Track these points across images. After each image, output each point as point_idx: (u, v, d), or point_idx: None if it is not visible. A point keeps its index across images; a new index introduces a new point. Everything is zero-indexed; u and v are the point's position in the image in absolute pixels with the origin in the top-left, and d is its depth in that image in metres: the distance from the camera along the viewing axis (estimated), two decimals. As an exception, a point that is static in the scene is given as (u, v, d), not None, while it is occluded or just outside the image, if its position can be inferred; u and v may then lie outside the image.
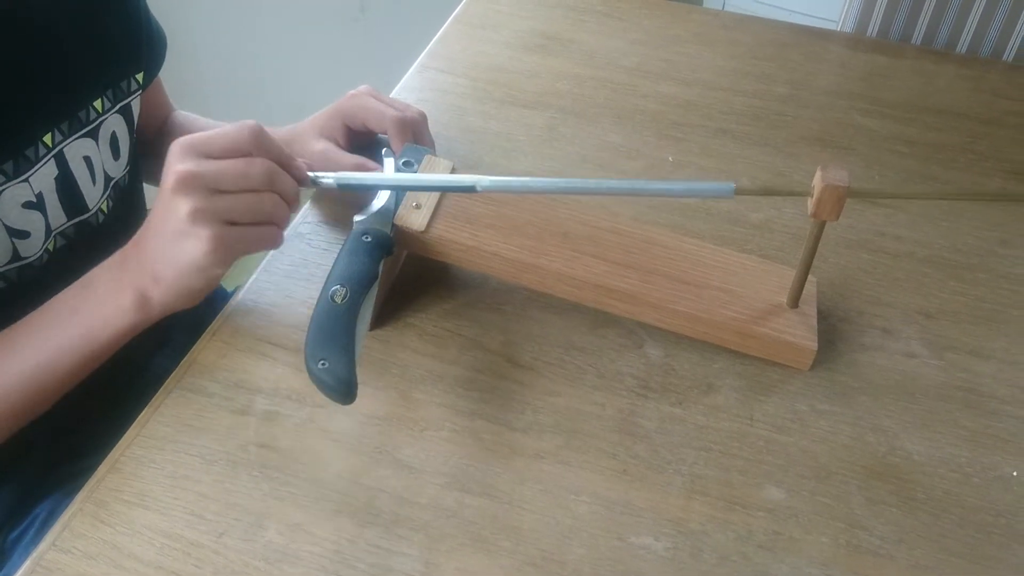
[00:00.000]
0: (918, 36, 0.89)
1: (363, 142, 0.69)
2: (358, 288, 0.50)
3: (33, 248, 0.62)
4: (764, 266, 0.60)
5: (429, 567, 0.46)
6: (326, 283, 0.51)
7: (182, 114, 0.86)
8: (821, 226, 0.52)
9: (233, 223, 0.50)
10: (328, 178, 0.56)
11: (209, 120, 0.85)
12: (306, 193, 0.60)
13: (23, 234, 0.61)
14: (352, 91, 0.68)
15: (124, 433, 0.52)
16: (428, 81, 0.81)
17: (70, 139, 0.64)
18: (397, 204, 0.57)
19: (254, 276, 0.62)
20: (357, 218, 0.55)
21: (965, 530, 0.49)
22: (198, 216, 0.49)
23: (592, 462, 0.51)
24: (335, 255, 0.53)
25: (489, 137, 0.75)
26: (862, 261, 0.65)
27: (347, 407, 0.52)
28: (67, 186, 0.65)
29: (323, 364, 0.46)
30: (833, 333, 0.59)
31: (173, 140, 0.85)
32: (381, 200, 0.57)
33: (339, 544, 0.47)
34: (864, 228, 0.67)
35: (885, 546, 0.48)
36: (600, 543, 0.47)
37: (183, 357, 0.56)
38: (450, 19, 0.90)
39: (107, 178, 0.69)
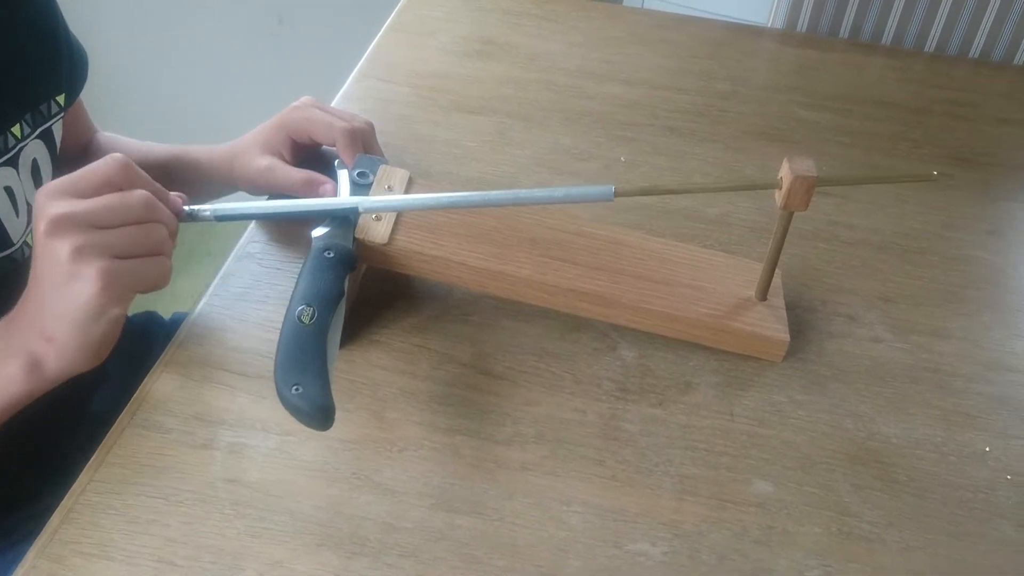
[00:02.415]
0: (845, 29, 0.92)
1: (309, 155, 0.67)
2: (325, 307, 0.48)
3: None
4: (729, 260, 0.60)
5: (422, 595, 0.44)
6: (291, 304, 0.48)
7: (106, 136, 0.81)
8: (789, 217, 0.52)
9: (119, 257, 0.46)
10: (205, 211, 0.53)
11: (134, 141, 0.80)
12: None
13: None
14: (295, 103, 0.65)
15: (73, 479, 0.48)
16: (369, 90, 0.78)
17: None
18: (355, 216, 0.54)
19: (203, 301, 0.58)
20: (315, 233, 0.53)
21: (948, 508, 0.49)
22: (81, 254, 0.45)
23: (579, 470, 0.50)
24: (289, 274, 0.50)
25: (439, 145, 0.73)
26: (819, 251, 0.66)
27: (318, 433, 0.50)
28: (-12, 220, 0.60)
29: (297, 389, 0.43)
30: (800, 323, 0.59)
31: None
32: (337, 216, 0.54)
33: (324, 579, 0.44)
34: (817, 218, 0.68)
35: (876, 531, 0.48)
36: (597, 553, 0.46)
37: (125, 392, 0.52)
38: (385, 26, 0.88)
39: (30, 208, 0.64)
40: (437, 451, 0.50)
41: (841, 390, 0.55)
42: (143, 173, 0.50)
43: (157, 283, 0.49)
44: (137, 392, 0.52)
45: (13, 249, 0.63)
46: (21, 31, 0.63)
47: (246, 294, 0.58)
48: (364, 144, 0.63)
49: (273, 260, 0.61)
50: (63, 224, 0.45)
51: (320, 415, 0.43)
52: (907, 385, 0.56)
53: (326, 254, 0.51)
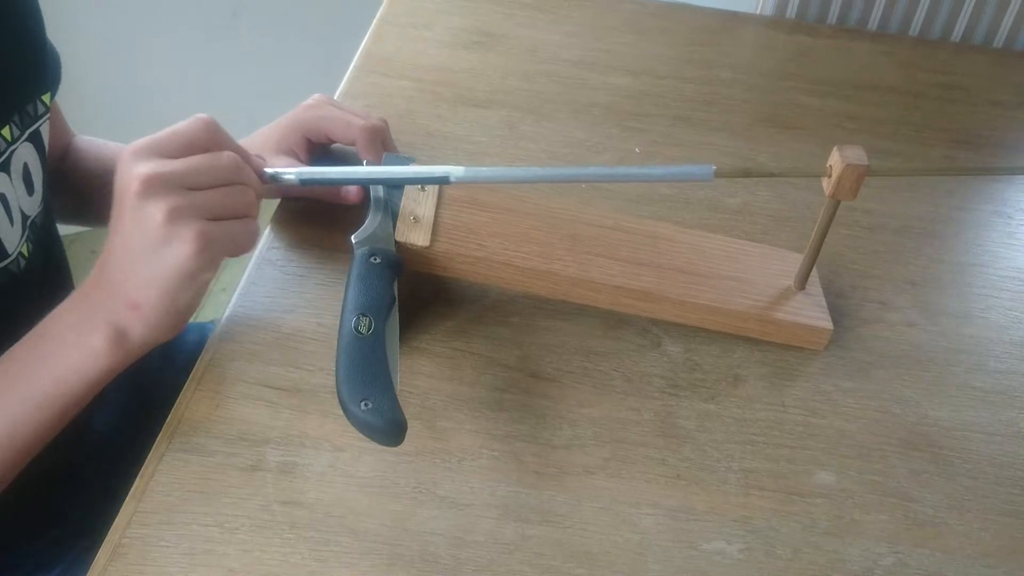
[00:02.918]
0: (833, 15, 0.93)
1: (322, 154, 0.64)
2: (379, 315, 0.46)
3: None
4: (764, 250, 0.60)
5: (505, 610, 0.43)
6: (344, 314, 0.46)
7: (85, 139, 0.77)
8: (836, 206, 0.52)
9: (211, 220, 0.45)
10: (289, 174, 0.52)
11: (115, 144, 0.76)
12: (262, 218, 0.54)
13: None
14: (308, 102, 0.62)
15: (88, 507, 0.45)
16: (371, 86, 0.76)
17: None
18: (394, 219, 0.52)
19: (227, 313, 0.55)
20: (355, 239, 0.50)
21: (1003, 488, 0.50)
22: (177, 215, 0.44)
23: (643, 471, 0.49)
24: (315, 281, 0.48)
25: (450, 141, 0.70)
26: (842, 237, 0.66)
27: (372, 447, 0.48)
28: (-17, 230, 0.56)
29: (366, 405, 0.41)
30: (834, 310, 0.59)
31: (79, 169, 0.76)
32: (375, 218, 0.52)
33: (401, 601, 0.42)
34: (824, 200, 0.68)
35: (939, 515, 0.49)
36: (674, 555, 0.45)
37: (127, 411, 0.49)
38: (376, 19, 0.85)
39: (23, 217, 0.60)
40: (497, 459, 0.49)
41: (884, 376, 0.56)
42: (227, 133, 0.49)
43: (246, 246, 0.48)
44: (171, 414, 0.49)
45: (8, 260, 0.58)
46: (2, 28, 0.59)
47: (273, 304, 0.56)
48: (383, 142, 0.61)
49: (295, 267, 0.58)
50: (156, 184, 0.44)
51: (394, 430, 0.41)
52: (945, 368, 0.57)
53: (372, 260, 0.48)
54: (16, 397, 0.47)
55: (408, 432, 0.49)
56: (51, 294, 0.69)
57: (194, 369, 0.52)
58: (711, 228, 0.65)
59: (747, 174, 0.51)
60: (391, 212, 0.53)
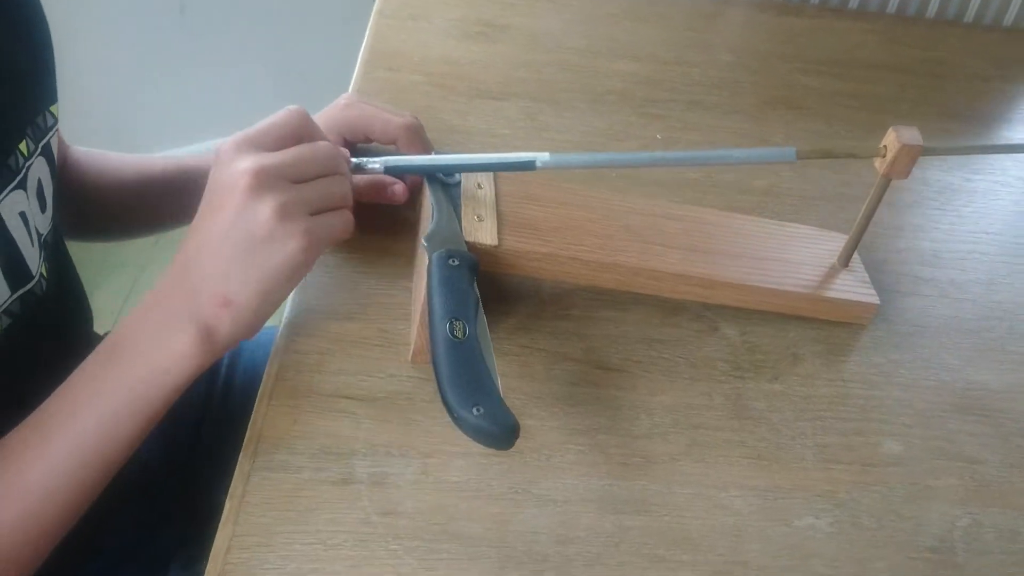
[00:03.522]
0: (816, -5, 0.96)
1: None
2: (470, 317, 0.45)
3: None
4: (805, 230, 0.61)
5: (621, 602, 0.43)
6: (433, 321, 0.45)
7: (81, 150, 0.73)
8: (887, 185, 0.54)
9: (314, 214, 0.45)
10: (375, 163, 0.51)
11: (114, 154, 0.72)
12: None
13: None
14: (342, 102, 0.60)
15: (138, 531, 0.43)
16: (382, 82, 0.74)
17: (3, 194, 0.52)
18: (459, 218, 0.52)
19: (285, 321, 0.54)
20: (426, 241, 0.49)
21: (1054, 444, 0.53)
22: (287, 211, 0.42)
23: (725, 454, 0.50)
24: (365, 285, 0.47)
25: (473, 135, 0.70)
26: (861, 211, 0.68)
27: (461, 451, 0.47)
28: (9, 253, 0.52)
29: (478, 410, 0.41)
30: (874, 285, 0.62)
31: (78, 182, 0.72)
32: (441, 218, 0.51)
33: (519, 602, 0.42)
34: (847, 180, 0.71)
35: (1002, 474, 0.51)
36: (770, 534, 0.47)
37: (163, 435, 0.47)
38: (373, 12, 0.83)
39: (38, 235, 0.57)
40: (583, 453, 0.49)
41: (928, 345, 0.58)
42: (316, 123, 0.48)
43: (343, 238, 0.47)
44: (248, 432, 0.48)
45: (33, 283, 0.56)
46: (12, 39, 0.55)
47: (331, 311, 0.54)
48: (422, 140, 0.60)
49: (346, 271, 0.57)
50: (266, 179, 0.42)
51: (507, 433, 0.41)
52: (981, 334, 0.60)
53: (451, 262, 0.48)
54: (99, 413, 0.45)
55: (493, 433, 0.49)
56: (71, 315, 0.66)
57: (263, 383, 0.50)
58: (742, 210, 0.66)
59: (827, 155, 0.52)
60: (454, 210, 0.52)
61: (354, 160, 0.50)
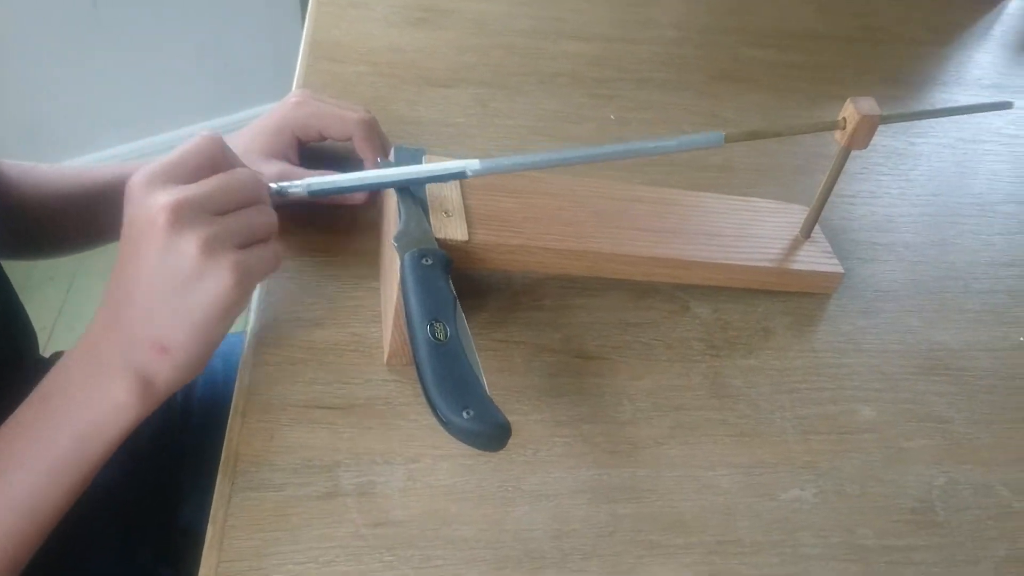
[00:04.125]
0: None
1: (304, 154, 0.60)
2: (450, 317, 0.44)
3: None
4: (766, 204, 0.62)
5: (621, 591, 0.43)
6: (412, 324, 0.44)
7: (8, 164, 0.68)
8: (847, 155, 0.55)
9: (242, 247, 0.42)
10: (297, 187, 0.49)
11: (42, 165, 0.68)
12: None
13: None
14: (292, 99, 0.58)
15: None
16: (327, 75, 0.72)
17: None
18: (425, 214, 0.50)
19: (251, 332, 0.52)
20: (396, 242, 0.48)
21: (1015, 396, 0.55)
22: (212, 247, 0.40)
23: (708, 434, 0.50)
24: (334, 289, 0.46)
25: (427, 125, 0.68)
26: (816, 182, 0.69)
27: (446, 453, 0.47)
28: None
29: (468, 414, 0.40)
30: (835, 254, 0.63)
31: (12, 199, 0.68)
32: (409, 217, 0.50)
33: (521, 602, 0.42)
34: (797, 151, 0.72)
35: (970, 431, 0.53)
36: (759, 509, 0.47)
37: (123, 457, 0.45)
38: (312, 2, 0.80)
39: None
40: (569, 445, 0.49)
41: (891, 309, 0.60)
42: (232, 150, 0.45)
43: (272, 270, 0.44)
44: (224, 452, 0.46)
45: None
46: None
47: (297, 318, 0.52)
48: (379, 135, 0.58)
49: (310, 276, 0.55)
50: (185, 214, 0.39)
51: (500, 434, 0.40)
52: (938, 294, 0.61)
53: (425, 262, 0.46)
54: (31, 469, 0.42)
55: (477, 431, 0.48)
56: (17, 340, 0.62)
57: (234, 400, 0.48)
58: (701, 187, 0.66)
59: (754, 136, 0.52)
60: (421, 207, 0.51)
61: (273, 186, 0.47)
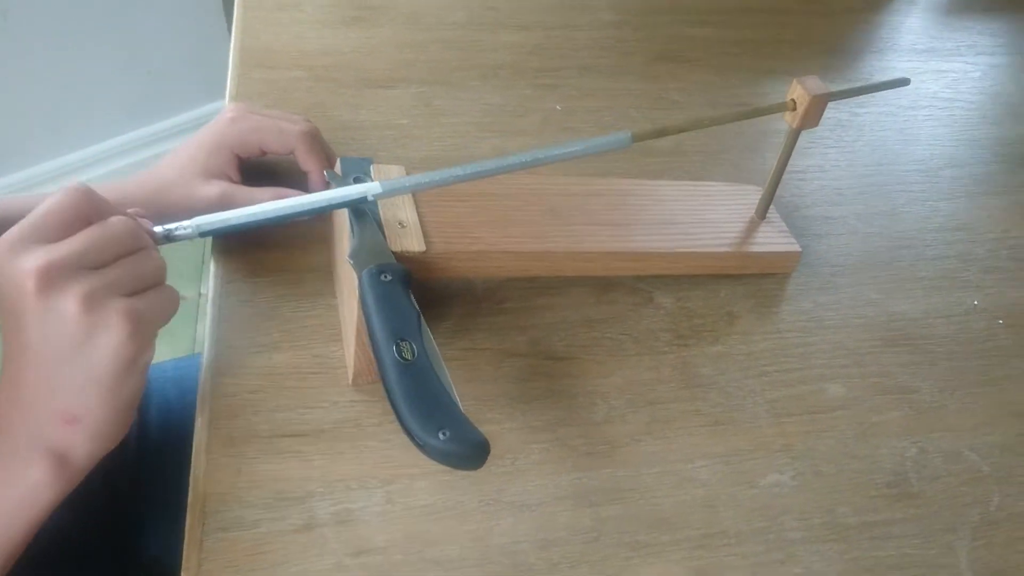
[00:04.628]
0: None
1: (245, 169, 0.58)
2: (415, 334, 0.43)
3: None
4: (718, 187, 0.62)
5: (612, 596, 0.43)
6: (377, 344, 0.42)
7: None
8: (798, 135, 0.55)
9: (130, 295, 0.39)
10: (186, 227, 0.44)
11: None
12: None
13: None
14: (228, 114, 0.55)
15: None
16: (262, 83, 0.69)
17: None
18: (379, 227, 0.48)
19: (206, 363, 0.49)
20: (351, 259, 0.46)
21: (975, 360, 0.56)
22: (93, 300, 0.37)
23: (683, 426, 0.50)
24: (286, 309, 0.44)
25: (370, 129, 0.66)
26: (766, 160, 0.69)
27: (422, 472, 0.45)
28: None
29: (444, 435, 0.39)
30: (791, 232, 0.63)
31: None
32: (362, 231, 0.48)
33: (512, 619, 0.41)
34: (743, 131, 0.72)
35: (936, 399, 0.54)
36: (740, 498, 0.47)
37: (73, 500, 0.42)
38: (237, 6, 0.77)
39: None
40: (547, 451, 0.48)
41: (849, 283, 0.60)
42: (104, 198, 0.41)
43: (171, 313, 0.41)
44: (191, 494, 0.44)
45: None
46: None
47: (252, 343, 0.50)
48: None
49: (262, 298, 0.53)
50: (56, 274, 0.36)
51: (478, 453, 0.39)
52: (893, 264, 0.62)
53: (384, 278, 0.45)
54: None
55: (452, 446, 0.47)
56: None
57: (195, 436, 0.46)
58: (652, 173, 0.66)
59: (662, 134, 0.51)
60: (373, 221, 0.49)
61: (158, 229, 0.44)
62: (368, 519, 0.44)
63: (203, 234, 0.44)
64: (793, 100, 0.52)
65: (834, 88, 0.51)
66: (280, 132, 0.54)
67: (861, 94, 0.51)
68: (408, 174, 0.53)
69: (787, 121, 0.53)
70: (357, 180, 0.52)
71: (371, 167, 0.53)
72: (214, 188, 0.54)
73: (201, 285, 1.53)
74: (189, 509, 0.43)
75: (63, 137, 1.65)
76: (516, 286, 0.56)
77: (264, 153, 0.56)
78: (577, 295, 0.56)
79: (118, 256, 0.39)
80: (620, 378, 0.52)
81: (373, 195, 0.47)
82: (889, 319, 0.58)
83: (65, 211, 0.38)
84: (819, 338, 0.56)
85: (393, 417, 0.40)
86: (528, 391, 0.51)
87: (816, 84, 0.52)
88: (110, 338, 0.37)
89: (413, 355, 0.42)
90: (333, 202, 0.46)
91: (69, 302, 0.36)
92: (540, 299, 0.56)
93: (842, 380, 0.54)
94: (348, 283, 0.48)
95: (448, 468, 0.43)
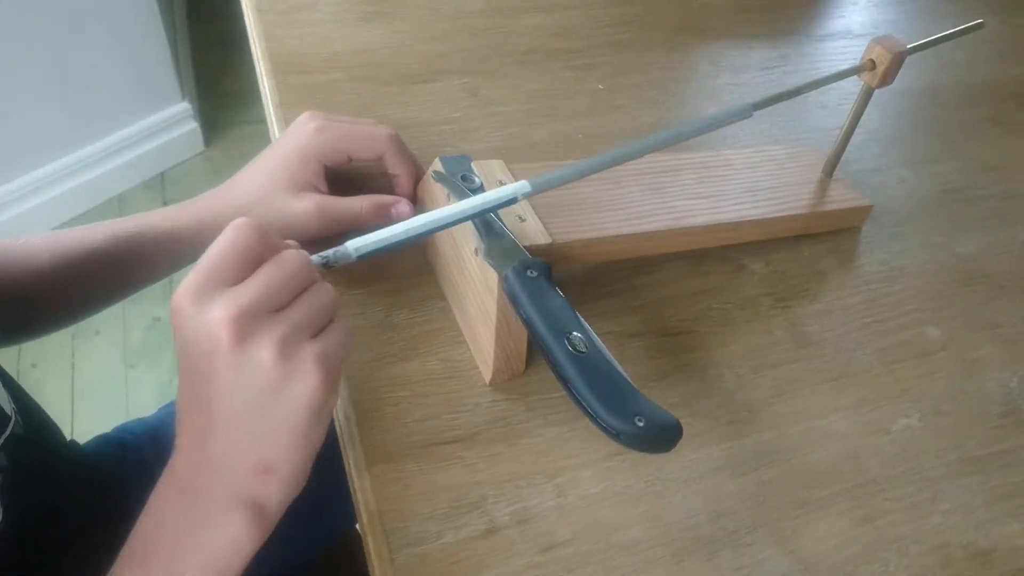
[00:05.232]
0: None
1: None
2: (578, 326, 0.43)
3: None
4: (780, 151, 0.63)
5: (793, 554, 0.44)
6: (545, 342, 0.42)
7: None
8: (870, 93, 0.57)
9: (315, 337, 0.38)
10: (348, 251, 0.43)
11: (21, 240, 0.59)
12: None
13: None
14: (308, 125, 0.53)
15: None
16: (302, 89, 0.66)
17: None
18: (503, 225, 0.48)
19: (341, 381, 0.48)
20: (490, 260, 0.46)
21: (1042, 292, 0.60)
22: (287, 349, 0.36)
23: (812, 384, 0.52)
24: (400, 318, 0.46)
25: (425, 125, 0.65)
26: (815, 116, 0.71)
27: (587, 461, 0.46)
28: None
29: (640, 421, 0.39)
30: (845, 187, 0.65)
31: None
32: (491, 231, 0.47)
33: (710, 590, 0.42)
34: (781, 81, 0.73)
35: (1020, 328, 0.57)
36: (880, 443, 0.49)
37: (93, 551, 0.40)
38: (249, 10, 0.74)
39: None
40: (691, 425, 0.49)
41: (914, 230, 0.63)
42: (270, 230, 0.39)
43: (350, 350, 0.41)
44: (364, 515, 0.43)
45: (12, 424, 0.46)
46: None
47: (378, 357, 0.49)
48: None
49: (374, 309, 0.52)
50: (247, 322, 0.35)
51: (673, 435, 0.40)
52: (947, 207, 0.65)
53: (530, 274, 0.44)
54: None
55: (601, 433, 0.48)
56: (48, 447, 0.55)
57: (349, 457, 0.45)
58: (707, 145, 0.67)
59: (779, 99, 0.53)
60: (495, 218, 0.48)
61: (316, 259, 0.42)
62: (546, 514, 0.44)
63: (360, 257, 0.43)
64: (872, 60, 0.54)
65: (910, 44, 0.53)
66: (369, 138, 0.53)
67: (937, 44, 0.53)
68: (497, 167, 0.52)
69: (865, 81, 0.55)
70: (464, 179, 0.51)
71: (471, 164, 0.52)
72: (308, 202, 0.52)
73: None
74: (368, 529, 0.42)
75: (4, 164, 1.55)
76: (614, 268, 0.56)
77: (351, 160, 0.54)
78: (673, 270, 0.57)
79: (296, 293, 0.38)
80: (738, 346, 0.53)
81: (523, 194, 0.46)
82: (958, 260, 0.61)
83: (240, 251, 0.37)
84: (903, 285, 0.59)
85: (579, 413, 0.40)
86: (657, 369, 0.51)
87: (893, 42, 0.53)
88: (305, 386, 0.36)
89: (586, 347, 0.42)
90: (487, 206, 0.45)
91: (264, 351, 0.35)
92: (640, 278, 0.56)
93: (936, 323, 0.57)
94: (470, 283, 0.48)
95: (606, 452, 0.43)
